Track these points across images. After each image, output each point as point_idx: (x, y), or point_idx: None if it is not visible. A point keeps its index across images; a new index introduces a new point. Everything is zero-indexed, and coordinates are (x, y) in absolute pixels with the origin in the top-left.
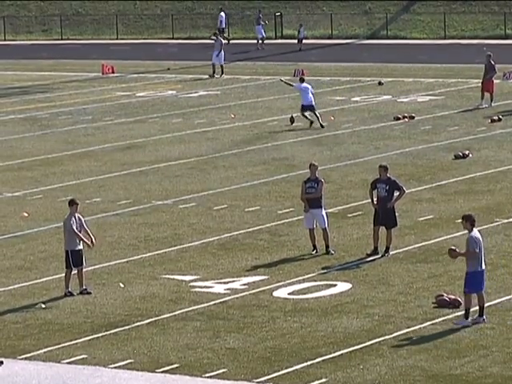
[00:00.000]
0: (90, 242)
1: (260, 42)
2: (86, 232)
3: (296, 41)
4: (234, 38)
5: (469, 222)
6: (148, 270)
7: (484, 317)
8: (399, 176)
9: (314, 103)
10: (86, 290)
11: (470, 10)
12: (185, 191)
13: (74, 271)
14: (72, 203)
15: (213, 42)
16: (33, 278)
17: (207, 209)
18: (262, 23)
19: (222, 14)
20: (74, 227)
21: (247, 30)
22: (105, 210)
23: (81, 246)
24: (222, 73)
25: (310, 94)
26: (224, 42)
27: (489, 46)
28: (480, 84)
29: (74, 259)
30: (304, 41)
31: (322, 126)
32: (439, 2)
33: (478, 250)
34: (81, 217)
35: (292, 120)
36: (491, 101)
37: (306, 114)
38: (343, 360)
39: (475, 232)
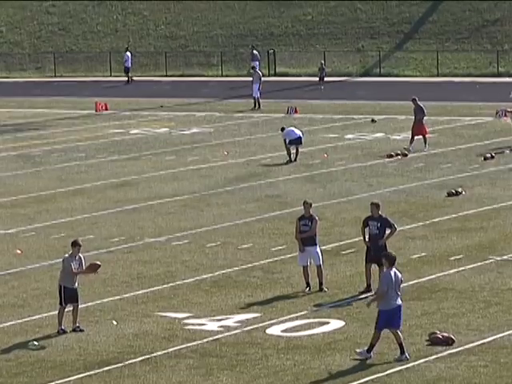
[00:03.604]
0: (93, 267)
1: None
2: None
3: (318, 79)
4: (227, 76)
5: (388, 261)
6: (141, 307)
7: (406, 354)
8: (392, 213)
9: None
10: (78, 327)
11: (462, 48)
12: (178, 228)
13: (69, 307)
14: (75, 244)
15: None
16: (25, 316)
17: (200, 246)
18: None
19: (128, 53)
20: (73, 268)
21: (240, 67)
22: (98, 247)
23: (76, 285)
24: (259, 106)
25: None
26: (129, 80)
27: (481, 83)
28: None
29: (66, 296)
30: (297, 78)
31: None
32: (432, 40)
33: (386, 289)
34: (82, 257)
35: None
36: (425, 143)
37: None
38: None
39: (389, 271)
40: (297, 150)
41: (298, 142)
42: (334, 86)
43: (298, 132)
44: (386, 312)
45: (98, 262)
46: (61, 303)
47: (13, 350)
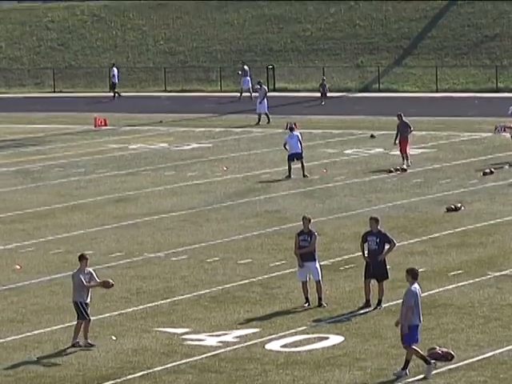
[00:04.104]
0: (106, 284)
1: (249, 94)
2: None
3: (319, 94)
4: (225, 91)
5: (410, 275)
6: (140, 322)
7: (407, 370)
8: (391, 229)
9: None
10: (89, 343)
11: (461, 64)
12: (177, 244)
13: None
14: (82, 258)
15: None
16: (24, 331)
17: (199, 261)
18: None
19: (115, 69)
20: (84, 281)
21: (239, 82)
22: (97, 262)
23: (88, 300)
24: (269, 121)
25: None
26: (116, 95)
27: (480, 99)
28: (398, 146)
29: (85, 310)
30: (297, 93)
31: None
32: (431, 56)
33: (413, 303)
34: (91, 270)
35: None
36: (407, 160)
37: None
38: None
39: (414, 286)
40: (302, 165)
41: (298, 156)
42: (333, 101)
43: (298, 145)
44: (411, 327)
45: (111, 281)
46: (82, 318)
47: (12, 365)
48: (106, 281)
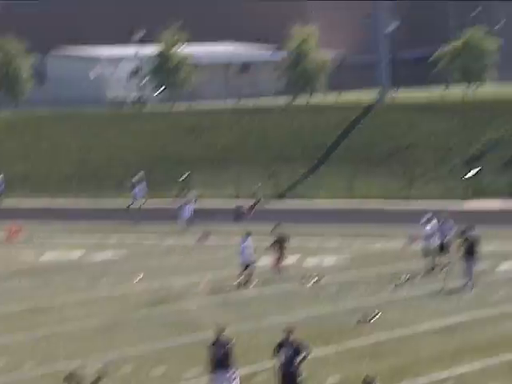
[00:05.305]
0: None
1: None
2: None
3: (252, 204)
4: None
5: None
6: None
7: None
8: (305, 338)
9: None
10: None
11: (374, 173)
12: (89, 354)
13: None
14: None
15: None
16: None
17: (111, 372)
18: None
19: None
20: None
21: (151, 191)
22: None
23: None
24: (185, 229)
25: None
26: None
27: (393, 208)
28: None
29: None
30: (212, 201)
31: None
32: (345, 165)
33: None
34: None
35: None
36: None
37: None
38: None
39: None
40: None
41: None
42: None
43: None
44: None
45: None
46: None
47: None
48: None
